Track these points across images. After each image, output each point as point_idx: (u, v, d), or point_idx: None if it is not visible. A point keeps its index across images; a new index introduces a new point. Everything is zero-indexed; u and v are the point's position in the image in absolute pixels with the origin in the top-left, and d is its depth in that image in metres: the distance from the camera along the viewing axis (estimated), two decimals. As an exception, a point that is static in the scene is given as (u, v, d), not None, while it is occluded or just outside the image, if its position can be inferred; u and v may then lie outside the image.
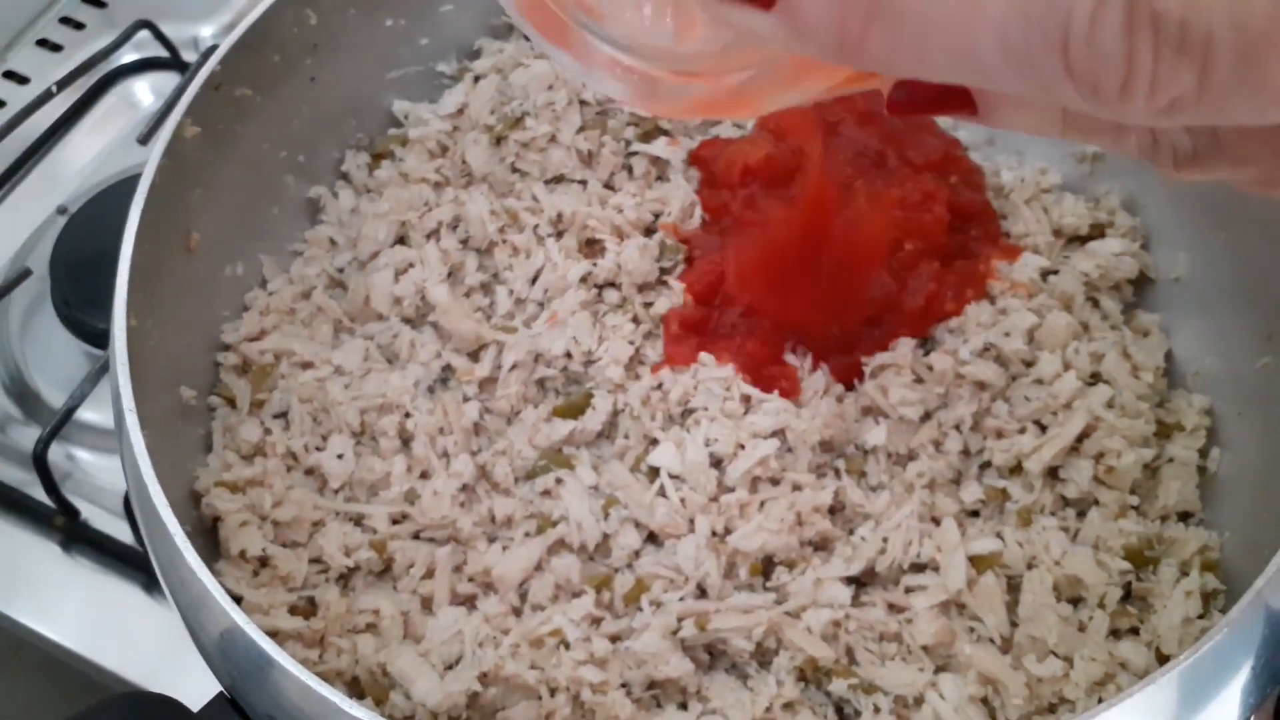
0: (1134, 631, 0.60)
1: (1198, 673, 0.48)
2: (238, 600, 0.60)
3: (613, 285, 0.73)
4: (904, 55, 0.21)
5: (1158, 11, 0.19)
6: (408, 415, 0.67)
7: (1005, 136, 0.80)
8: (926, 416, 0.67)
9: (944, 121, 0.79)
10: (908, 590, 0.62)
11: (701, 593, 0.62)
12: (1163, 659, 0.58)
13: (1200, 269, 0.71)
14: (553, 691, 0.58)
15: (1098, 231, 0.75)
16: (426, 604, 0.63)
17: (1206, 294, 0.70)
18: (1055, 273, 0.72)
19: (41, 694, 0.79)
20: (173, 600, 0.54)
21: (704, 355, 0.68)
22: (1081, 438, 0.65)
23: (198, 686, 0.55)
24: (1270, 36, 0.18)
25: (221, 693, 0.52)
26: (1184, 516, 0.65)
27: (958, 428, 0.66)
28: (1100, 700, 0.57)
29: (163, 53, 0.98)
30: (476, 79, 0.81)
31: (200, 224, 0.69)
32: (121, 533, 0.76)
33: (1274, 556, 0.49)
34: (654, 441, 0.67)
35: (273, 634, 0.58)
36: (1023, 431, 0.66)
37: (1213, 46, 0.18)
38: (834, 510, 0.64)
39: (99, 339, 0.81)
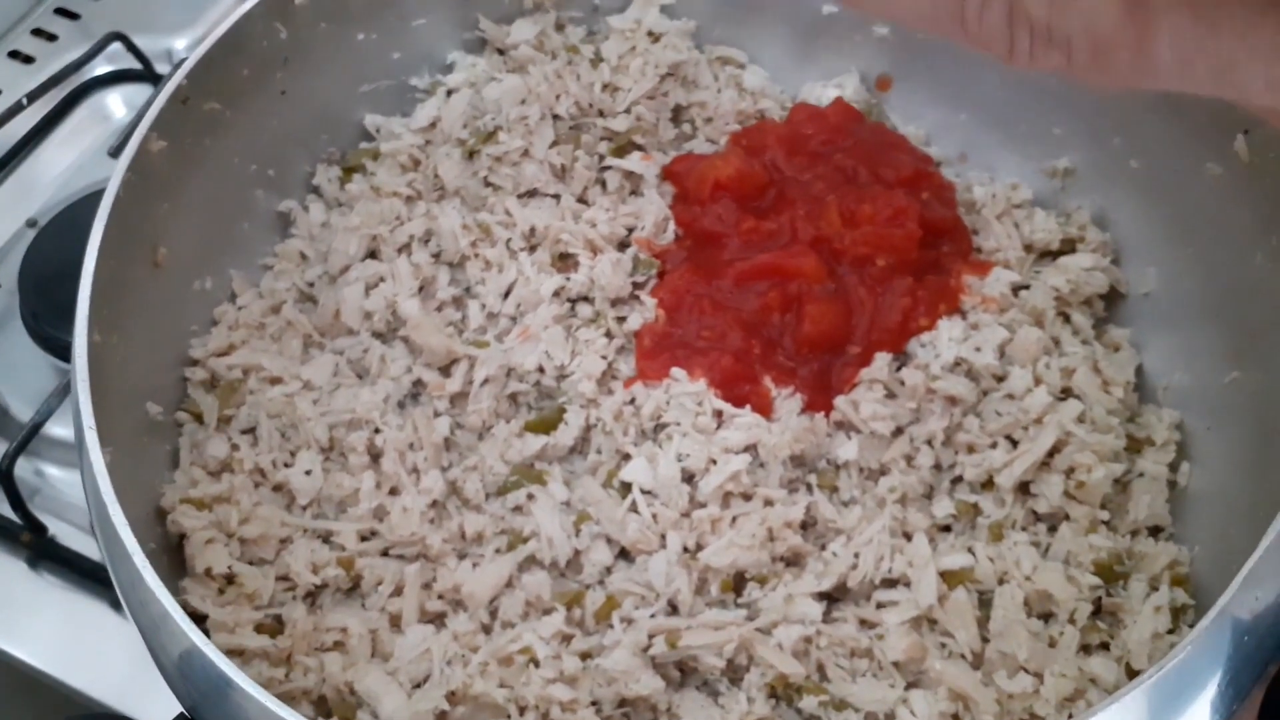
0: (1104, 647, 0.60)
1: (1166, 688, 0.48)
2: (203, 618, 0.59)
3: (586, 300, 0.73)
4: None
5: (1031, 14, 0.24)
6: (377, 431, 0.67)
7: (977, 153, 0.80)
8: (898, 431, 0.67)
9: (916, 138, 0.80)
10: (879, 606, 0.62)
11: (673, 609, 0.62)
12: (1133, 674, 0.58)
13: (1170, 284, 0.71)
14: (522, 710, 0.57)
15: (1069, 246, 0.75)
16: (395, 622, 0.62)
17: (1176, 309, 0.70)
18: (1026, 288, 0.72)
19: (8, 713, 0.78)
20: (134, 620, 0.53)
21: (676, 370, 0.68)
22: (1052, 453, 0.65)
23: (165, 706, 0.54)
24: (1115, 40, 0.24)
25: (182, 714, 0.51)
26: (1154, 531, 0.65)
27: (929, 443, 0.66)
28: (1070, 716, 0.56)
29: (135, 65, 0.97)
30: (449, 93, 0.81)
31: (168, 238, 0.68)
32: (90, 550, 0.75)
33: (1239, 572, 0.49)
34: (626, 457, 0.66)
35: (238, 652, 0.58)
36: (994, 446, 0.66)
37: (1074, 44, 0.25)
38: (806, 525, 0.64)
39: (67, 353, 0.80)
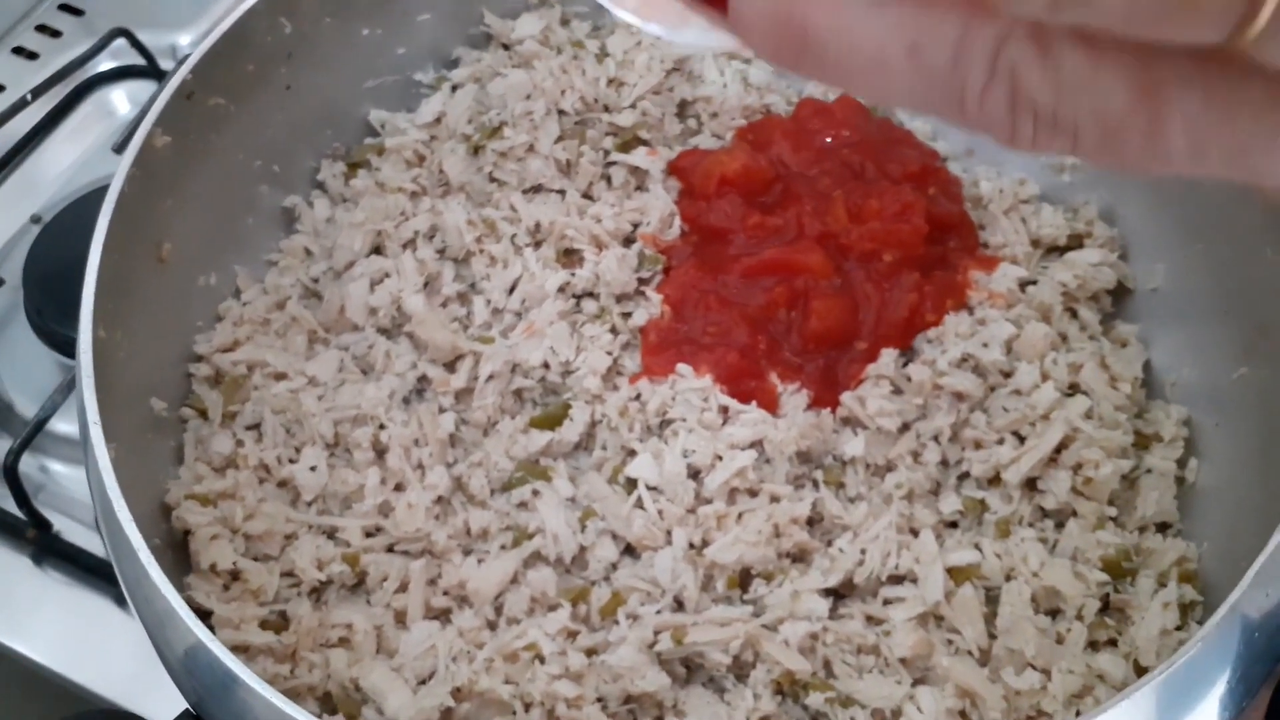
0: (1112, 643, 0.60)
1: (1174, 686, 0.47)
2: (208, 614, 0.59)
3: (591, 295, 0.73)
4: (832, 81, 0.24)
5: (1035, 100, 0.22)
6: (382, 427, 0.67)
7: (984, 148, 0.80)
8: (905, 427, 0.67)
9: (923, 133, 0.79)
10: (886, 602, 0.62)
11: (678, 605, 0.62)
12: (1141, 671, 0.58)
13: (1178, 280, 0.71)
14: (527, 707, 0.57)
15: (1076, 242, 0.75)
16: (400, 618, 0.62)
17: (1184, 305, 0.70)
18: (1033, 283, 0.72)
19: (12, 710, 0.78)
20: (139, 616, 0.53)
21: (682, 366, 0.68)
22: (1060, 449, 0.65)
23: (171, 702, 0.54)
24: (1125, 126, 0.22)
25: (187, 710, 0.51)
26: (1162, 527, 0.65)
27: (936, 439, 0.66)
28: (1078, 713, 0.56)
29: (140, 61, 0.97)
30: (454, 88, 0.81)
31: (172, 234, 0.68)
32: (95, 546, 0.75)
33: (1250, 569, 0.49)
34: (632, 453, 0.66)
35: (243, 649, 0.58)
36: (1001, 442, 0.66)
37: (1080, 131, 0.22)
38: (812, 522, 0.64)
39: (72, 349, 0.80)
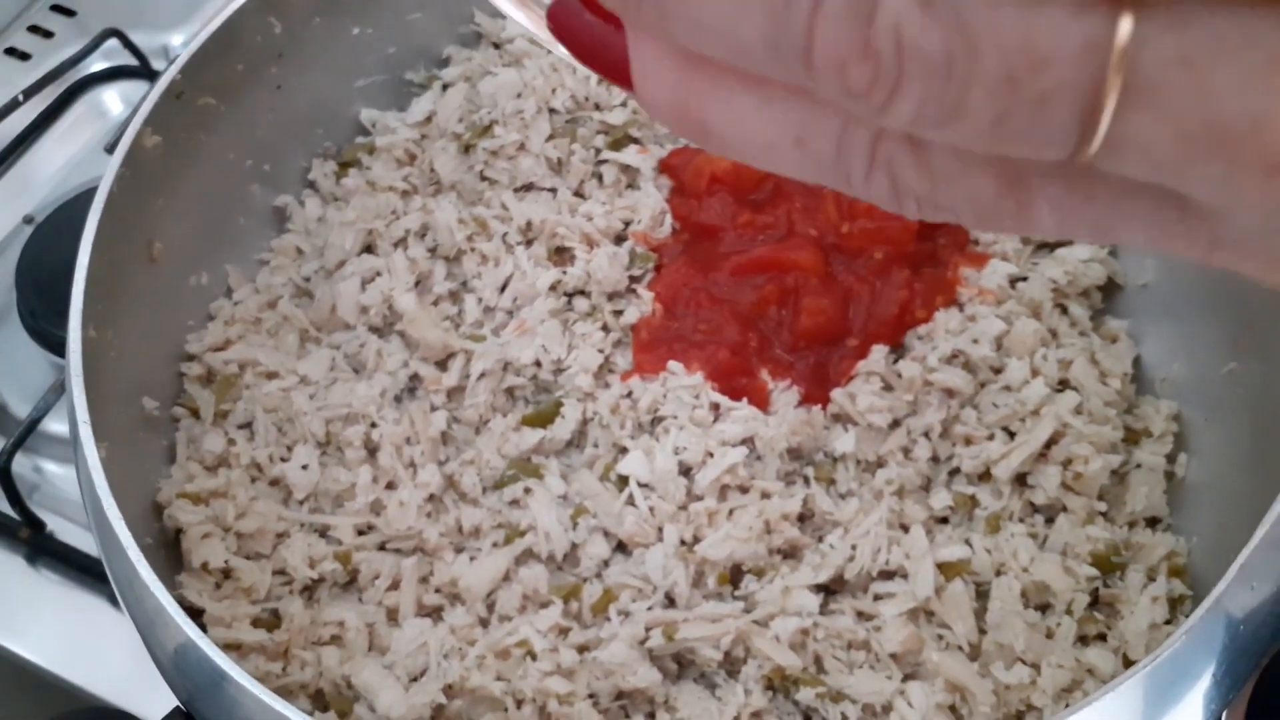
0: (1101, 638, 0.60)
1: (1159, 679, 0.48)
2: (200, 613, 0.59)
3: (582, 293, 0.73)
4: (734, 158, 0.25)
5: (912, 189, 0.23)
6: (374, 425, 0.67)
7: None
8: (895, 424, 0.67)
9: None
10: (876, 598, 0.62)
11: (670, 602, 0.62)
12: (1130, 665, 0.58)
13: (1168, 275, 0.71)
14: (519, 703, 0.57)
15: (1065, 239, 0.75)
16: (392, 615, 0.62)
17: (1174, 300, 0.70)
18: (1024, 279, 0.72)
19: (6, 708, 0.78)
20: (130, 615, 0.53)
21: (673, 364, 0.68)
22: (1050, 444, 0.65)
23: (164, 700, 0.54)
24: (997, 209, 0.23)
25: (178, 707, 0.51)
26: (1152, 522, 0.65)
27: (926, 435, 0.66)
28: (1067, 707, 0.56)
29: (132, 61, 0.97)
30: (445, 87, 0.81)
31: (163, 233, 0.68)
32: (88, 545, 0.75)
33: (1233, 562, 0.49)
34: (623, 450, 0.66)
35: (235, 647, 0.58)
36: (991, 438, 0.66)
37: (958, 212, 0.24)
38: (803, 518, 0.64)
39: (65, 349, 0.81)
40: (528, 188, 0.77)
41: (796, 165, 0.24)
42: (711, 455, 0.65)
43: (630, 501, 0.64)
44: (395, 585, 0.63)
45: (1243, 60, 0.19)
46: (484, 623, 0.62)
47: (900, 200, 0.24)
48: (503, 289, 0.73)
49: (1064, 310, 0.71)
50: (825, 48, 0.20)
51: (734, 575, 0.63)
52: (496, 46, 0.83)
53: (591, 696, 0.58)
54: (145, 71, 0.97)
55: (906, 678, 0.59)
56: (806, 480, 0.66)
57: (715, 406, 0.67)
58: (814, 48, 0.21)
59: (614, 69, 0.26)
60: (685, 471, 0.65)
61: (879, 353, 0.68)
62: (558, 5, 0.27)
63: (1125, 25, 0.19)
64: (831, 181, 0.24)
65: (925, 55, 0.20)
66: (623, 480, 0.65)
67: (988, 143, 0.21)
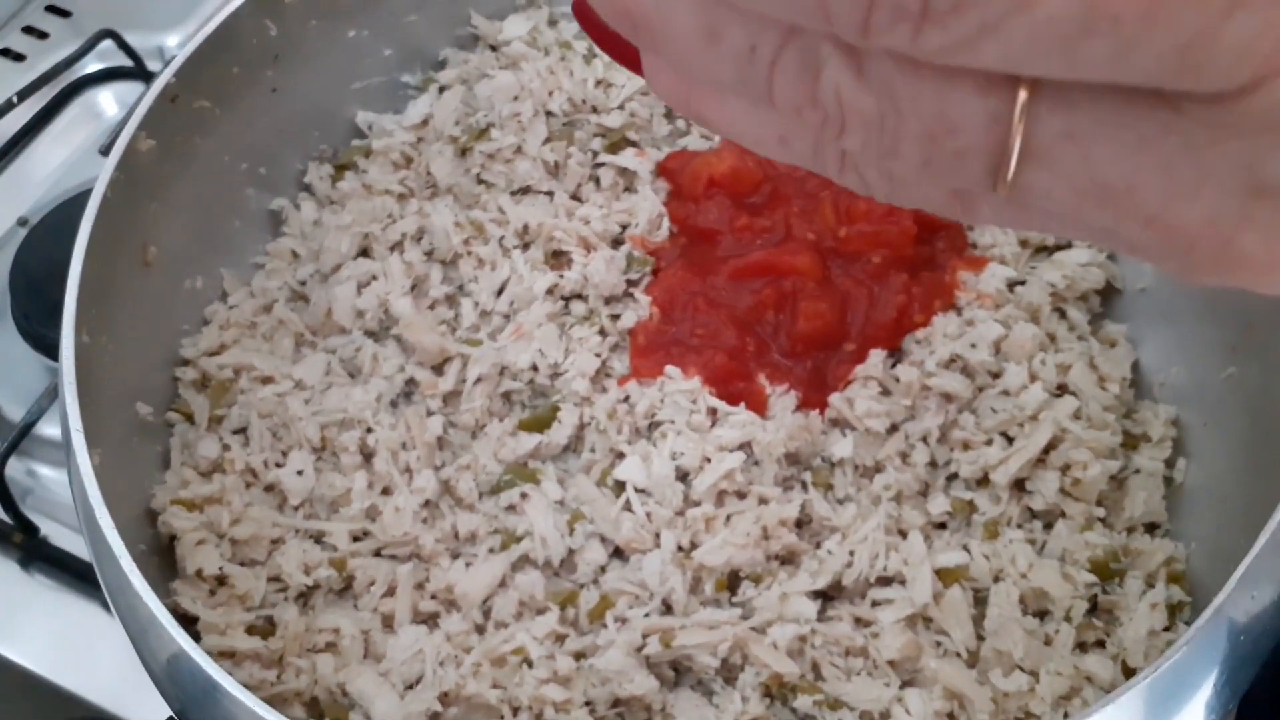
0: (1100, 645, 0.60)
1: (1160, 689, 0.47)
2: (194, 620, 0.59)
3: (579, 297, 0.73)
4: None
5: (877, 188, 0.27)
6: (369, 430, 0.67)
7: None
8: (893, 429, 0.67)
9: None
10: (874, 604, 0.62)
11: (667, 608, 0.61)
12: (1129, 672, 0.58)
13: (1166, 280, 0.71)
14: (515, 711, 0.57)
15: (1064, 242, 0.74)
16: (387, 622, 0.62)
17: (1172, 304, 0.70)
18: (1022, 283, 0.72)
19: (1, 715, 0.78)
20: (122, 623, 0.53)
21: (670, 368, 0.68)
22: (1048, 449, 0.64)
23: (158, 706, 0.54)
24: (947, 208, 0.27)
25: (171, 717, 0.51)
26: (1150, 528, 0.65)
27: (924, 440, 0.66)
28: (1066, 715, 0.56)
29: (127, 62, 0.96)
30: (441, 90, 0.80)
31: (158, 237, 0.68)
32: (82, 550, 0.75)
33: (1235, 570, 0.49)
34: (620, 455, 0.66)
35: (229, 654, 0.57)
36: (989, 443, 0.65)
37: (918, 206, 0.28)
38: (800, 524, 0.64)
39: (58, 353, 0.80)
40: (524, 191, 0.77)
41: (783, 156, 0.28)
42: (709, 460, 0.64)
43: (627, 507, 0.64)
44: (391, 592, 0.62)
45: (1117, 140, 0.23)
46: (480, 629, 0.62)
47: (871, 192, 0.28)
48: (499, 293, 0.72)
49: (1062, 314, 0.71)
50: (782, 94, 0.25)
51: (731, 581, 0.62)
52: (493, 49, 0.82)
53: (588, 704, 0.58)
54: (140, 73, 0.96)
55: (904, 685, 0.59)
56: (804, 486, 0.66)
57: (713, 411, 0.67)
58: (773, 93, 0.25)
59: (629, 60, 0.30)
60: (682, 477, 0.65)
61: (877, 357, 0.68)
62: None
63: (1021, 100, 0.23)
64: (814, 170, 0.28)
65: (860, 112, 0.24)
66: (620, 485, 0.65)
67: (921, 176, 0.25)
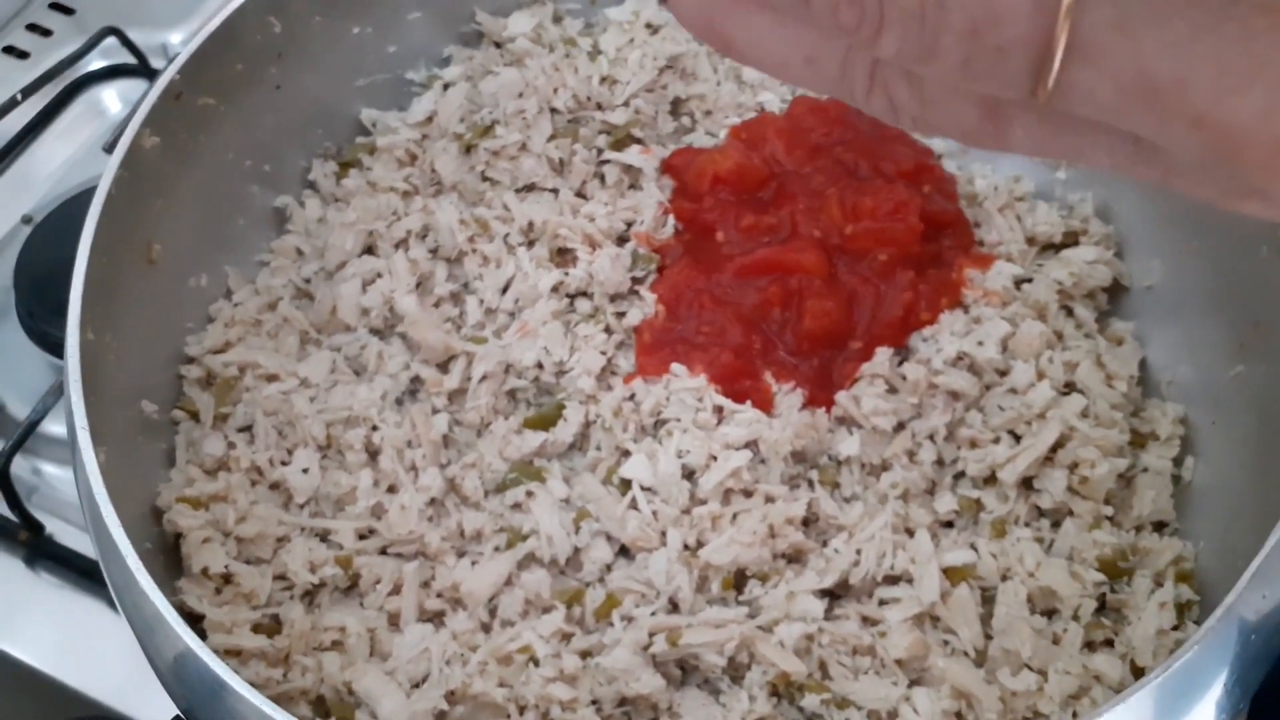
0: (1108, 644, 0.60)
1: (1171, 688, 0.47)
2: (200, 618, 0.59)
3: (584, 295, 0.72)
4: (755, 69, 0.29)
5: (906, 109, 0.28)
6: (375, 428, 0.67)
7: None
8: (900, 427, 0.66)
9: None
10: (881, 603, 0.61)
11: (673, 607, 0.61)
12: (1137, 671, 0.58)
13: (1174, 277, 0.71)
14: (521, 710, 0.57)
15: (1071, 239, 0.74)
16: (393, 621, 0.62)
17: (1180, 302, 0.70)
18: (1029, 281, 0.72)
19: (5, 713, 0.78)
20: (129, 622, 0.53)
21: (676, 366, 0.68)
22: (1056, 448, 0.64)
23: (164, 704, 0.54)
24: (978, 133, 0.28)
25: (178, 716, 0.51)
26: (1158, 526, 0.64)
27: (931, 438, 0.66)
28: (1075, 714, 0.56)
29: (131, 60, 0.96)
30: (446, 87, 0.80)
31: (162, 235, 0.68)
32: (87, 548, 0.75)
33: (1246, 569, 0.49)
34: (626, 453, 0.66)
35: (235, 653, 0.57)
36: (996, 441, 0.65)
37: (947, 132, 0.29)
38: (807, 522, 0.64)
39: (63, 350, 0.80)
40: (529, 188, 0.76)
41: (807, 80, 0.28)
42: (715, 458, 0.64)
43: (633, 505, 0.64)
44: (396, 590, 0.62)
45: (1169, 29, 0.22)
46: (486, 628, 0.62)
47: (898, 117, 0.27)
48: (504, 290, 0.72)
49: (1069, 312, 0.71)
50: None
51: (738, 580, 0.62)
52: (498, 46, 0.82)
53: (594, 703, 0.58)
54: (144, 70, 0.96)
55: (912, 684, 0.59)
56: (811, 484, 0.65)
57: (719, 409, 0.66)
58: None
59: None
60: (688, 475, 0.64)
61: (883, 355, 0.68)
62: None
63: None
64: (838, 95, 0.28)
65: (901, 4, 0.24)
66: (625, 484, 0.65)
67: (959, 79, 0.25)
